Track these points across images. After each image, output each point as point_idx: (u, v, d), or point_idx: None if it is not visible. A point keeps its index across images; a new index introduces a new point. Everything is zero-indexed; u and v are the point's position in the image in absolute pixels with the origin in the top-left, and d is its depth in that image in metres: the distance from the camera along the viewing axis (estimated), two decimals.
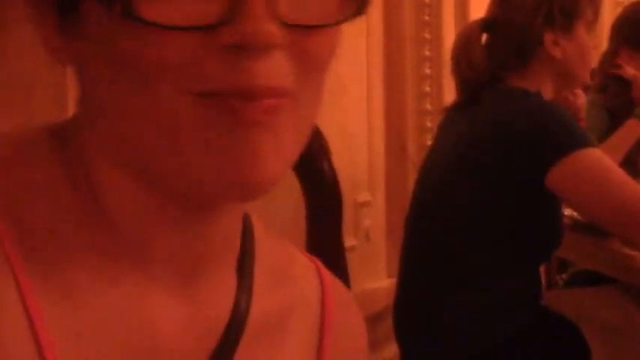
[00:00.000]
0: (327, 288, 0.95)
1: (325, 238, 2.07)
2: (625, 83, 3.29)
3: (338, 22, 0.74)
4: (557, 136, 2.40)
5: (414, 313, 2.63)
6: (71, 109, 0.80)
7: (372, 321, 3.96)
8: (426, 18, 4.30)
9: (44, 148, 0.81)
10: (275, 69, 0.70)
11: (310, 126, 0.77)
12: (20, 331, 0.74)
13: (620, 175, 2.42)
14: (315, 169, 1.90)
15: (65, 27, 0.75)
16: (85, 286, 0.78)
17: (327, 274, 0.97)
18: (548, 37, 2.55)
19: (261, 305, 0.87)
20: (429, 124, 4.43)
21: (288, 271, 0.93)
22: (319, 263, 0.97)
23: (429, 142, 3.92)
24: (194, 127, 0.70)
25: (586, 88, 3.40)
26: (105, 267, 0.79)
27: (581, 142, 2.40)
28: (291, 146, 0.74)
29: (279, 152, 0.73)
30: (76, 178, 0.80)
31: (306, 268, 0.96)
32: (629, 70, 3.12)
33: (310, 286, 0.95)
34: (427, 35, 4.32)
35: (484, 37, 2.64)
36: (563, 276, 3.33)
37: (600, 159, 2.41)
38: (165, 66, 0.69)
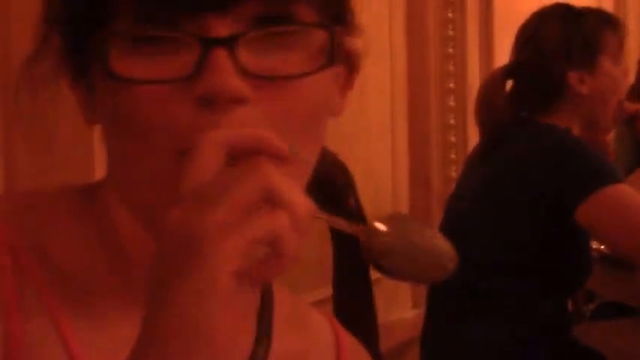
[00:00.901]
0: (342, 341, 0.97)
1: (353, 274, 2.08)
2: None
3: (304, 74, 0.75)
4: (585, 173, 2.41)
5: (441, 343, 2.63)
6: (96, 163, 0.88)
7: (398, 352, 3.96)
8: (450, 50, 4.30)
9: (75, 201, 0.89)
10: (245, 121, 0.71)
11: (305, 173, 0.79)
12: (58, 354, 0.80)
13: None
14: (341, 205, 1.91)
15: (87, 90, 0.80)
16: (110, 320, 0.85)
17: (340, 328, 0.99)
18: (572, 77, 2.55)
19: (277, 354, 0.89)
20: (453, 157, 4.42)
21: (303, 322, 0.96)
22: (332, 318, 1.00)
23: (454, 174, 3.93)
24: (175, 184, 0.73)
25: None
26: (127, 305, 0.85)
27: (609, 178, 2.40)
28: None
29: None
30: (102, 226, 0.87)
31: (321, 322, 0.98)
32: (629, 106, 3.07)
33: (325, 338, 0.97)
34: (451, 68, 4.32)
35: (509, 82, 2.67)
36: (590, 306, 3.31)
37: (628, 195, 2.41)
38: (144, 121, 0.73)
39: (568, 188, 2.39)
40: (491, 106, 2.63)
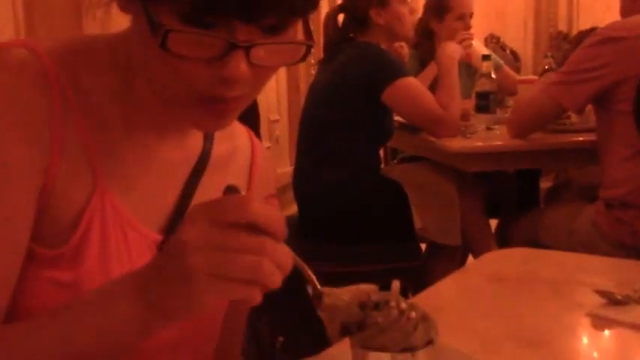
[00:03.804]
0: (255, 145, 0.96)
1: None
2: (431, 41, 3.30)
3: (288, 64, 0.73)
4: (387, 70, 2.44)
5: (302, 182, 2.65)
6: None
7: (280, 191, 4.01)
8: None
9: (107, 55, 0.80)
10: (242, 88, 0.70)
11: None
12: (81, 162, 0.76)
13: (427, 94, 2.48)
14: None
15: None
16: (122, 137, 0.80)
17: (255, 136, 0.97)
18: (372, 12, 2.59)
19: (217, 150, 0.89)
20: (312, 72, 4.44)
21: (233, 130, 0.94)
22: (249, 129, 0.98)
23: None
24: (188, 102, 0.72)
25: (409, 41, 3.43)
26: (132, 128, 0.80)
27: (403, 73, 2.46)
28: (241, 111, 0.76)
29: (234, 117, 0.76)
30: (122, 73, 0.79)
31: (243, 132, 0.96)
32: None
33: (245, 143, 0.95)
34: None
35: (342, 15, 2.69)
36: (395, 161, 3.35)
37: (415, 84, 2.47)
38: (181, 73, 0.69)
39: (377, 79, 2.43)
40: (327, 32, 2.66)
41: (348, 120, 2.50)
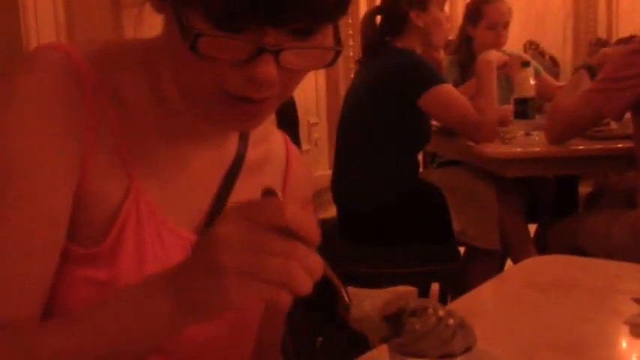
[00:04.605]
0: (290, 150, 0.95)
1: None
2: (470, 47, 3.27)
3: (316, 68, 0.73)
4: (424, 76, 2.43)
5: (341, 184, 2.64)
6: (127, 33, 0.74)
7: (319, 194, 4.01)
8: None
9: (137, 56, 0.80)
10: (270, 90, 0.69)
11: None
12: (115, 162, 0.76)
13: (463, 100, 2.46)
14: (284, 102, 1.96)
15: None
16: (156, 139, 0.80)
17: (290, 141, 0.97)
18: (412, 14, 2.55)
19: (251, 153, 0.89)
20: (351, 76, 4.42)
21: (268, 134, 0.93)
22: (285, 134, 0.97)
23: None
24: (216, 102, 0.71)
25: (446, 47, 3.40)
26: (166, 130, 0.80)
27: (439, 80, 2.44)
28: (270, 113, 0.75)
29: (262, 119, 0.75)
30: (153, 79, 0.79)
31: (279, 136, 0.96)
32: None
33: (280, 147, 0.94)
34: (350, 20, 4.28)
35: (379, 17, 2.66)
36: (434, 165, 3.34)
37: (451, 91, 2.45)
38: (210, 73, 0.69)
39: (413, 85, 2.41)
40: (364, 33, 2.64)
41: (385, 124, 2.49)
